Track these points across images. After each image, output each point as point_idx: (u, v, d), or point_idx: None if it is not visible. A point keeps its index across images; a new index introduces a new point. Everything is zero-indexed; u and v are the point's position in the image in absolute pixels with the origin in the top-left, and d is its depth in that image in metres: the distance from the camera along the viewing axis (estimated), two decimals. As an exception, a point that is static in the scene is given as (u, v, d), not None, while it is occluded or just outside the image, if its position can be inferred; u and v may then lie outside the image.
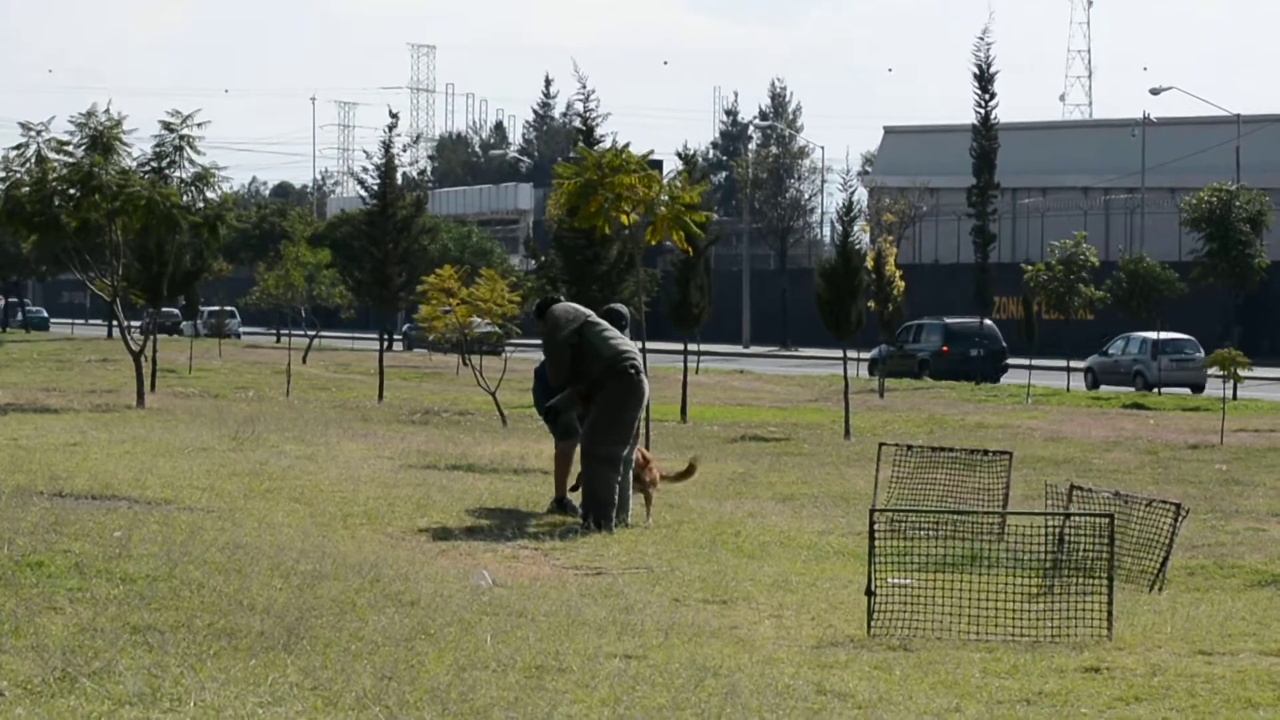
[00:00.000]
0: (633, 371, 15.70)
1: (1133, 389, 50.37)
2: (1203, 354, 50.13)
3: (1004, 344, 56.35)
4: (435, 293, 30.02)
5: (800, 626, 11.01)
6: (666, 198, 21.18)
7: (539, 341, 16.30)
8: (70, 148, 30.11)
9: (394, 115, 38.69)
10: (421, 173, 42.84)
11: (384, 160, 38.13)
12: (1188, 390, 50.49)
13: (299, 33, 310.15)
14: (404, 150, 41.73)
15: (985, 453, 17.26)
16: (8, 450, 18.98)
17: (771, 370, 61.50)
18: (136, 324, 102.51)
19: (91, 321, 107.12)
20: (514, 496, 17.17)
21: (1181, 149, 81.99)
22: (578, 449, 16.65)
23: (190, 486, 16.06)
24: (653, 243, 22.29)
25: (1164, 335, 52.03)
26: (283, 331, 73.16)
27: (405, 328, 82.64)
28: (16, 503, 13.71)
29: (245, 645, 9.01)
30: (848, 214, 30.80)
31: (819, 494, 19.07)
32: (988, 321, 55.74)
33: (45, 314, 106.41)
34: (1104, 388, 51.71)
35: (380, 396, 35.78)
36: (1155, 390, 49.42)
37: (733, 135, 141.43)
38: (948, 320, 59.03)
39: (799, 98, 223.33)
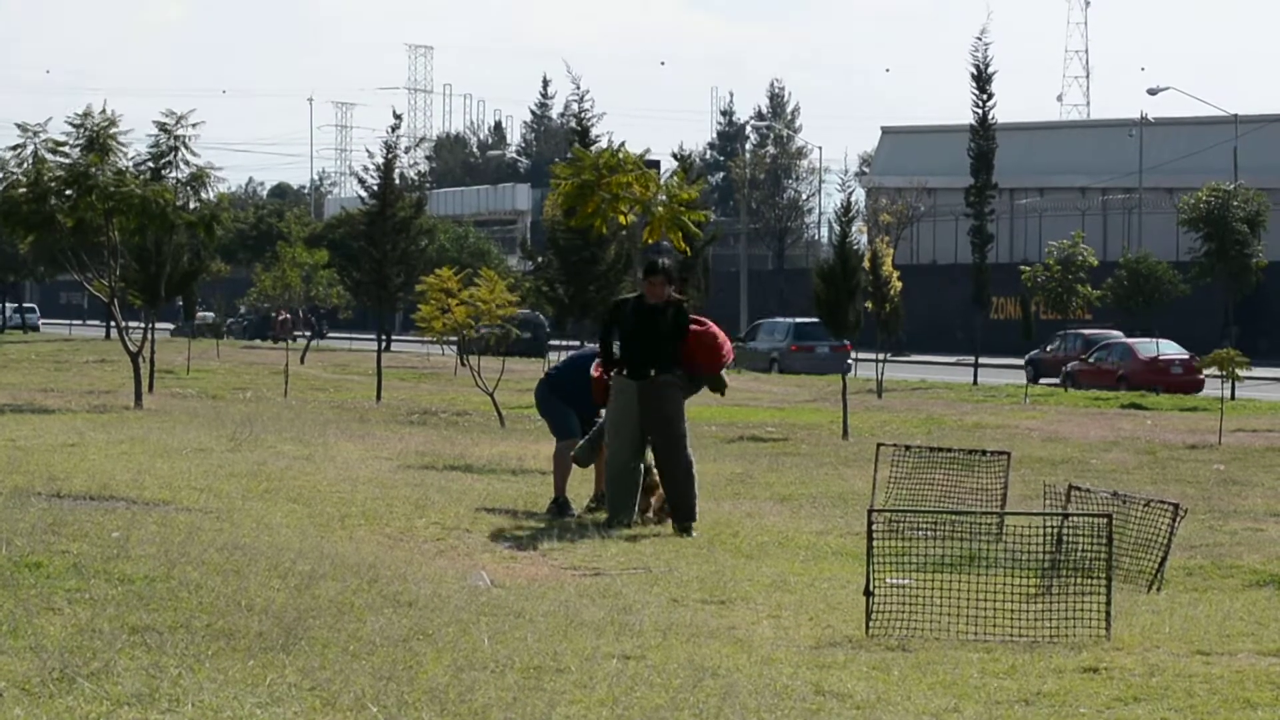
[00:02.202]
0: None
1: None
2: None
3: (549, 329, 62.98)
4: (435, 293, 30.03)
5: (798, 627, 11.01)
6: (664, 197, 21.12)
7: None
8: (67, 148, 30.09)
9: (397, 117, 38.79)
10: (420, 174, 42.85)
11: (385, 161, 38.16)
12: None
13: (296, 33, 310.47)
14: (406, 152, 41.72)
15: (983, 453, 17.24)
16: (5, 451, 18.95)
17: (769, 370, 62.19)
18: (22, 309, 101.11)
19: (90, 322, 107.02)
20: (512, 497, 17.16)
21: (1179, 149, 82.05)
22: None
23: (188, 487, 16.04)
24: (650, 242, 22.23)
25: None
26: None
27: (190, 319, 79.48)
28: (14, 503, 13.68)
29: (243, 646, 9.00)
30: (846, 214, 30.78)
31: (817, 494, 19.06)
32: (536, 311, 62.42)
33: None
34: None
35: (378, 397, 35.79)
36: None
37: (730, 136, 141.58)
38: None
39: (797, 98, 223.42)
